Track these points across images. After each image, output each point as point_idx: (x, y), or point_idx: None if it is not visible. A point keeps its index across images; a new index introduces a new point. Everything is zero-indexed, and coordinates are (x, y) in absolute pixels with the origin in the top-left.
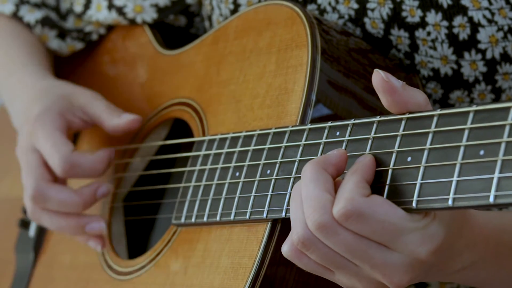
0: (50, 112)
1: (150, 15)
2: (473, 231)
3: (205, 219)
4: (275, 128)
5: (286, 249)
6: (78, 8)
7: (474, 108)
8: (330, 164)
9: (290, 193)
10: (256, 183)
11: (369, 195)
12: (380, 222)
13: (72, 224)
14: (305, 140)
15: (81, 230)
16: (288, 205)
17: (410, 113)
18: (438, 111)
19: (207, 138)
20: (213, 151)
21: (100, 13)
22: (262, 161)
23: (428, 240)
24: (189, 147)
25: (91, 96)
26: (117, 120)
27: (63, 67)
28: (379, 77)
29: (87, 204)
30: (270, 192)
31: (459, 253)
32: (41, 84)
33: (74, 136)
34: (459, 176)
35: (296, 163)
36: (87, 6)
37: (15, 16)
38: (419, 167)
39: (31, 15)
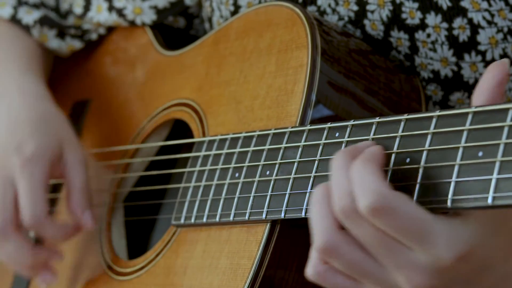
0: (43, 160)
1: (149, 17)
2: (507, 242)
3: (204, 219)
4: (275, 129)
5: (310, 271)
6: (78, 9)
7: (473, 109)
8: (359, 153)
9: (290, 193)
10: (255, 183)
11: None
12: (409, 217)
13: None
14: (305, 141)
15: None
16: (287, 205)
17: (408, 114)
18: (437, 113)
19: (207, 139)
20: (213, 152)
21: (100, 15)
22: (262, 162)
23: (455, 245)
24: (189, 147)
25: (79, 160)
26: (79, 213)
27: (64, 67)
28: (504, 66)
29: (36, 265)
30: (269, 193)
31: (492, 266)
32: (38, 105)
33: (77, 133)
34: (457, 177)
35: (295, 164)
36: (87, 8)
37: (14, 19)
38: (418, 168)
39: (29, 16)
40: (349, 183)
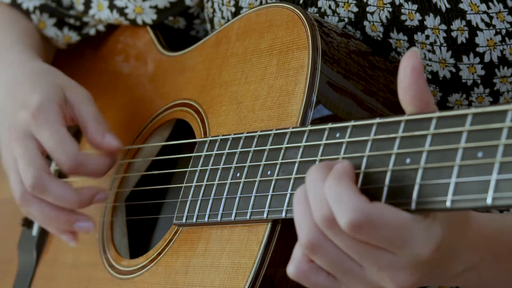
0: (52, 105)
1: (150, 16)
2: (474, 233)
3: (206, 219)
4: (276, 130)
5: (291, 269)
6: (80, 7)
7: (472, 110)
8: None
9: (291, 193)
10: (256, 183)
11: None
12: (389, 226)
13: (62, 217)
14: (306, 142)
15: (69, 226)
16: (288, 205)
17: (409, 115)
18: (437, 114)
19: (208, 139)
20: (215, 152)
21: (102, 12)
22: (263, 162)
23: (432, 240)
24: (191, 147)
25: (84, 96)
26: (100, 138)
27: (67, 67)
28: (415, 54)
29: (83, 204)
30: (270, 193)
31: (461, 255)
32: (31, 65)
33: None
34: (457, 177)
35: (296, 164)
36: (88, 5)
37: (14, 4)
38: (418, 168)
39: (30, 2)
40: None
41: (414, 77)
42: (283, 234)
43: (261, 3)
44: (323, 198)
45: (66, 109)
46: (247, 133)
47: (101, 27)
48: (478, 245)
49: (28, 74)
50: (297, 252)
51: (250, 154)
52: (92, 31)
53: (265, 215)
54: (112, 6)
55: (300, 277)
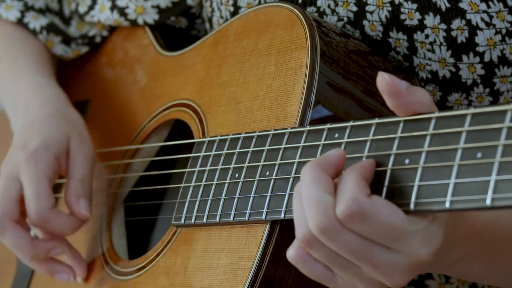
0: (47, 154)
1: (151, 16)
2: (466, 224)
3: (204, 220)
4: (275, 130)
5: (291, 253)
6: (83, 9)
7: (471, 111)
8: (329, 165)
9: (290, 194)
10: (255, 184)
11: (369, 194)
12: (383, 224)
13: (41, 249)
14: (304, 142)
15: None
16: (287, 206)
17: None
18: (436, 114)
19: (207, 139)
20: (213, 152)
21: (102, 14)
22: (262, 162)
23: (429, 242)
24: (189, 148)
25: (84, 154)
26: (73, 200)
27: (65, 68)
28: (383, 80)
29: (37, 258)
30: (269, 193)
31: (453, 246)
32: (51, 107)
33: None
34: (456, 178)
35: (295, 165)
36: (91, 7)
37: (21, 23)
38: (417, 169)
39: (36, 22)
40: (322, 199)
41: (394, 99)
42: (282, 235)
43: (259, 3)
44: (316, 204)
45: (64, 161)
46: (246, 133)
47: (105, 33)
48: (470, 236)
49: (42, 115)
50: (297, 240)
51: (249, 155)
52: (98, 39)
53: (263, 216)
54: (113, 7)
55: (298, 261)
